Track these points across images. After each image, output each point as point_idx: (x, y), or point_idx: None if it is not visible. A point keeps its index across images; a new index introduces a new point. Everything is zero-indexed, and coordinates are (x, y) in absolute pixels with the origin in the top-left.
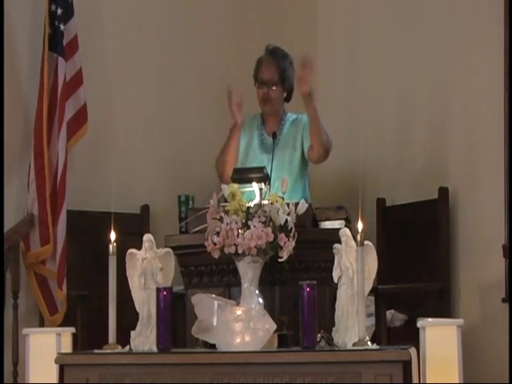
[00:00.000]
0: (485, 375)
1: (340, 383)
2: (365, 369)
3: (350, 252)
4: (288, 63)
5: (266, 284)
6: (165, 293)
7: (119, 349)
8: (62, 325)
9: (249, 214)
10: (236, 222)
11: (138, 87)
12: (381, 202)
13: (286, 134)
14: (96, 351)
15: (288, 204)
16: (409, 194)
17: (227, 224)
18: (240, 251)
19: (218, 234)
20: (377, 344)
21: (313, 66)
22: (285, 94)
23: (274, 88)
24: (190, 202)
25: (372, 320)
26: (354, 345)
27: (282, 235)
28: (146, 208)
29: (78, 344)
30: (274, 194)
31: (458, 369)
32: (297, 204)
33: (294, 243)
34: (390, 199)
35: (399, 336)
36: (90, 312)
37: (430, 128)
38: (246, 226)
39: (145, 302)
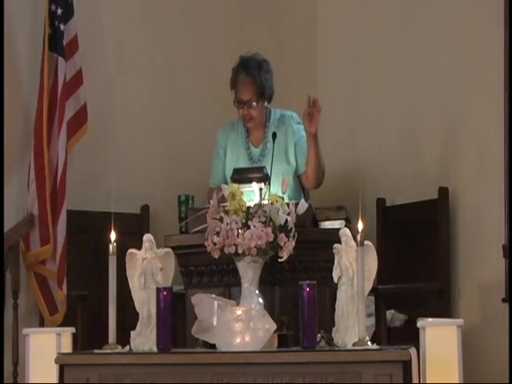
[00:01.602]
0: (485, 375)
1: (340, 383)
2: (365, 369)
3: (350, 252)
4: (264, 72)
5: (266, 284)
6: (165, 293)
7: (119, 349)
8: (62, 325)
9: (249, 213)
10: (236, 222)
11: (138, 87)
12: (381, 202)
13: (276, 143)
14: (96, 351)
15: (288, 204)
16: (409, 194)
17: (227, 224)
18: (240, 251)
19: (218, 233)
20: (377, 344)
21: (319, 105)
22: (266, 102)
23: (255, 104)
24: (190, 201)
25: (372, 320)
26: (354, 345)
27: (282, 235)
28: (145, 208)
29: (78, 344)
30: (274, 193)
31: (458, 369)
32: (297, 204)
33: (293, 243)
34: (390, 199)
35: (399, 336)
36: (90, 312)
37: (430, 128)
38: (246, 226)
39: (145, 301)
